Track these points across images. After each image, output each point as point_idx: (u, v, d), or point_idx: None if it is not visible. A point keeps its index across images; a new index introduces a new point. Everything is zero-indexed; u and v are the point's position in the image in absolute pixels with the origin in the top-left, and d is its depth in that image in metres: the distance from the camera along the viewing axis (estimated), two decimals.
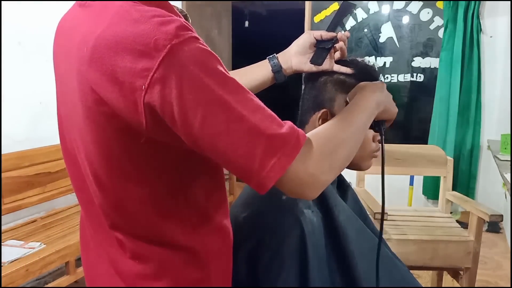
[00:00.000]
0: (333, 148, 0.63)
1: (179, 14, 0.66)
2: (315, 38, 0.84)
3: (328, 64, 0.85)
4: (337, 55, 0.87)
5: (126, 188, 0.64)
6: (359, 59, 0.89)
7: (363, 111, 0.71)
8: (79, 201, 0.75)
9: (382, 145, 0.81)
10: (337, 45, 0.84)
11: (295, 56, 0.86)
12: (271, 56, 0.88)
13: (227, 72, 0.57)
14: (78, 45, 0.60)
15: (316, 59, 0.84)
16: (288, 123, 0.59)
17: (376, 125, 0.80)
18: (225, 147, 0.55)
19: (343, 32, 0.85)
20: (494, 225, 2.98)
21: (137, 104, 0.55)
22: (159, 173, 0.64)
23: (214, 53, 0.57)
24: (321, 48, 0.84)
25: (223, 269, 0.74)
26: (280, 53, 0.88)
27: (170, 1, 0.72)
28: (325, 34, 0.83)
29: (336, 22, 0.84)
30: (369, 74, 0.87)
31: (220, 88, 0.54)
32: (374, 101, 0.73)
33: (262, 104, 0.58)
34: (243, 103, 0.55)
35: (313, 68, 0.85)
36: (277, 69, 0.87)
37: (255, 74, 0.89)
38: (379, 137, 0.90)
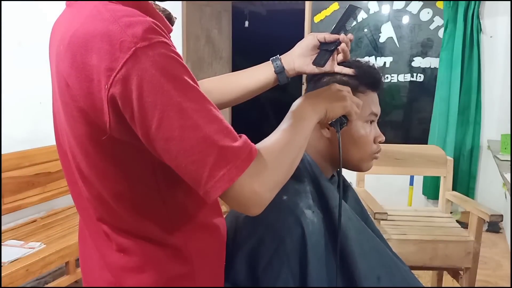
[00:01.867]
0: (280, 164, 0.63)
1: (160, 14, 0.67)
2: (318, 40, 0.85)
3: (330, 66, 0.85)
4: (340, 57, 0.87)
5: (104, 184, 0.66)
6: (362, 61, 0.89)
7: (303, 121, 0.71)
8: (71, 194, 0.77)
9: (339, 144, 0.80)
10: (340, 47, 0.85)
11: (298, 58, 0.87)
12: (274, 57, 0.89)
13: (192, 81, 0.58)
14: (58, 43, 0.63)
15: (319, 61, 0.84)
16: (243, 137, 0.60)
17: (334, 125, 0.80)
18: (177, 152, 0.56)
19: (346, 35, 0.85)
20: (494, 225, 2.98)
21: (103, 102, 0.57)
22: (133, 172, 0.65)
23: (181, 61, 0.58)
24: (324, 50, 0.84)
25: (211, 266, 0.75)
26: (283, 54, 0.89)
27: (161, 1, 0.72)
28: (328, 36, 0.84)
29: (341, 25, 0.84)
30: (371, 76, 0.87)
31: (180, 95, 0.55)
32: (310, 109, 0.73)
33: (220, 116, 0.59)
34: (200, 113, 0.56)
35: (316, 69, 0.85)
36: (280, 70, 0.87)
37: (258, 75, 0.89)
38: (380, 139, 0.90)
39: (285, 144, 0.66)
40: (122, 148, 0.62)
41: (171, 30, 0.68)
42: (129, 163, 0.64)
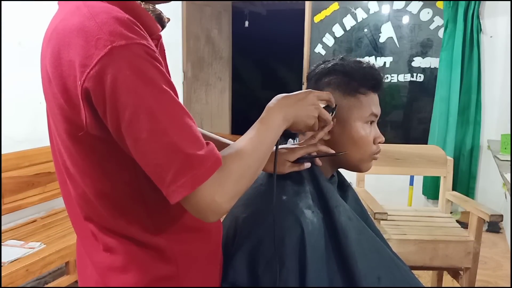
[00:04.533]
0: (241, 174, 0.64)
1: (147, 13, 0.66)
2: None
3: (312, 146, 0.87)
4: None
5: (86, 182, 0.66)
6: (363, 62, 0.88)
7: (269, 130, 0.71)
8: (62, 194, 0.76)
9: (276, 150, 0.80)
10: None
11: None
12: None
13: (168, 85, 0.58)
14: (43, 40, 0.64)
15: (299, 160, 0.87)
16: (210, 146, 0.60)
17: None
18: (143, 153, 0.57)
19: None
20: (494, 225, 2.98)
21: (79, 99, 0.57)
22: (112, 170, 0.65)
23: (157, 65, 0.58)
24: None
25: (200, 268, 0.75)
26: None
27: (164, 2, 0.71)
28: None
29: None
30: (372, 77, 0.87)
31: (152, 99, 0.56)
32: (280, 118, 0.73)
33: (190, 122, 0.59)
34: (170, 118, 0.57)
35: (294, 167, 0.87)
36: None
37: None
38: (379, 139, 0.90)
39: (250, 155, 0.66)
40: (100, 146, 0.62)
41: (159, 30, 0.68)
42: (108, 161, 0.64)
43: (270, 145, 0.71)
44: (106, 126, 0.59)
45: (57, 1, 0.68)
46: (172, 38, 3.62)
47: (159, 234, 0.69)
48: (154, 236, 0.69)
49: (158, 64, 0.58)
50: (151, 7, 0.72)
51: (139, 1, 0.66)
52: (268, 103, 0.75)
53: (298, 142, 0.91)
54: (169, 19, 0.76)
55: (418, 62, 3.29)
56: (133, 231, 0.68)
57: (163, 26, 0.72)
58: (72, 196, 0.71)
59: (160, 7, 0.74)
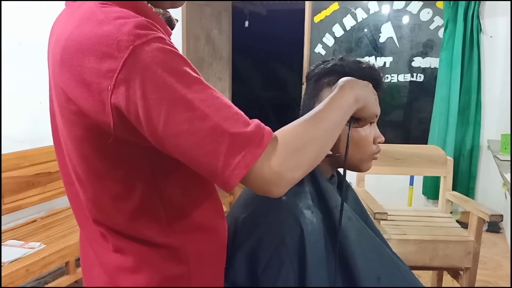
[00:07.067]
0: (301, 145, 0.60)
1: (159, 17, 0.66)
2: None
3: None
4: None
5: (100, 186, 0.66)
6: (364, 63, 0.88)
7: (339, 107, 0.68)
8: (68, 195, 0.76)
9: (347, 141, 0.79)
10: None
11: None
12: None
13: (193, 71, 0.57)
14: (53, 45, 0.62)
15: None
16: (255, 121, 0.58)
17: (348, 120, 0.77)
18: (188, 146, 0.54)
19: None
20: (494, 225, 2.98)
21: (105, 105, 0.56)
22: (131, 173, 0.65)
23: (179, 53, 0.57)
24: None
25: (209, 267, 0.75)
26: None
27: (167, 8, 0.72)
28: None
29: None
30: (372, 77, 0.87)
31: (183, 87, 0.54)
32: (352, 97, 0.71)
33: (228, 102, 0.57)
34: (207, 102, 0.55)
35: None
36: None
37: None
38: (379, 139, 0.90)
39: (313, 128, 0.62)
40: (121, 149, 0.62)
41: (170, 33, 0.68)
42: (128, 164, 0.64)
43: (339, 123, 0.67)
44: (133, 129, 0.57)
45: (64, 1, 0.68)
46: (172, 38, 3.61)
47: (172, 234, 0.69)
48: (168, 237, 0.69)
49: (179, 52, 0.57)
50: (161, 11, 0.72)
51: (150, 5, 0.67)
52: (339, 83, 0.73)
53: None
54: (177, 20, 0.77)
55: (418, 62, 3.29)
56: (147, 232, 0.68)
57: (172, 28, 0.72)
58: (82, 199, 0.71)
59: None
